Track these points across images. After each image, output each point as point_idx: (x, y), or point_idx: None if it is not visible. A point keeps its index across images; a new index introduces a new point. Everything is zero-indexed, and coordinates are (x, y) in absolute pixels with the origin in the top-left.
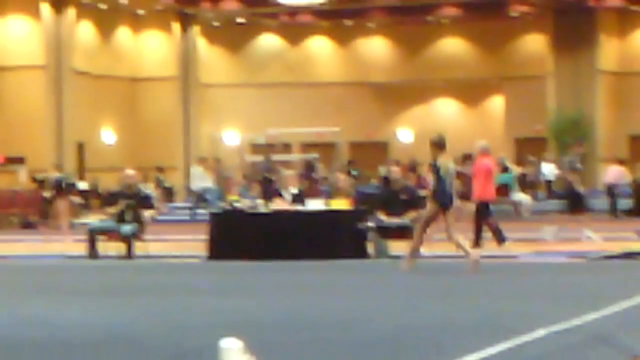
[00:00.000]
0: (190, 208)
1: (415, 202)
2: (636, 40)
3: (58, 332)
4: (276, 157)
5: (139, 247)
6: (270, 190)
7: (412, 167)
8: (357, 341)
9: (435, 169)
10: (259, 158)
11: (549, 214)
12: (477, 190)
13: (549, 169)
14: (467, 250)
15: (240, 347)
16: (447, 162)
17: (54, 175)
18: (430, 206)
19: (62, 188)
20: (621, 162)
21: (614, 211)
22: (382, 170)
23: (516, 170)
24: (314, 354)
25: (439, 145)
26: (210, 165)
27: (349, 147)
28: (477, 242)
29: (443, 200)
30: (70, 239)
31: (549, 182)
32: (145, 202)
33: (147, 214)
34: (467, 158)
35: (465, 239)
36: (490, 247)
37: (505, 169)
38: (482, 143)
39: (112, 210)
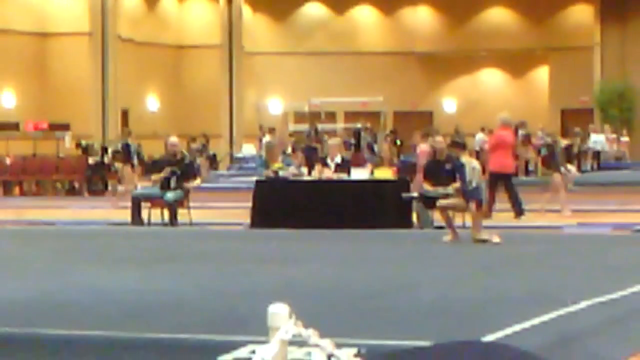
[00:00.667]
0: None
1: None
2: None
3: (107, 298)
4: (321, 126)
5: (182, 215)
6: (314, 159)
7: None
8: (401, 311)
9: (459, 168)
10: (303, 127)
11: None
12: (493, 162)
13: (598, 140)
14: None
15: (286, 312)
16: (471, 161)
17: (124, 140)
18: (458, 200)
19: (130, 154)
20: None
21: None
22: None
23: (563, 143)
24: (356, 321)
25: (460, 145)
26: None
27: (394, 117)
28: (489, 211)
29: (470, 197)
30: (120, 205)
31: (597, 152)
32: (190, 169)
33: (192, 183)
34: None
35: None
36: (534, 218)
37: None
38: (502, 115)
39: (156, 177)
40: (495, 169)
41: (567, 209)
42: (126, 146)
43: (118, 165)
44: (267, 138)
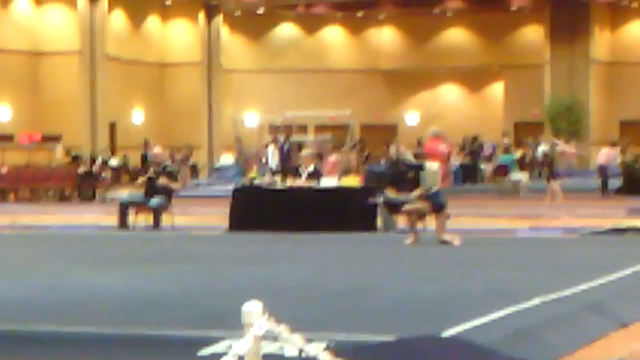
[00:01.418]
0: None
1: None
2: (627, 32)
3: (95, 297)
4: (293, 138)
5: (165, 219)
6: (288, 168)
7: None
8: (367, 308)
9: (421, 175)
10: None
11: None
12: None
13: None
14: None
15: (260, 309)
16: (432, 165)
17: (143, 152)
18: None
19: (148, 163)
20: (613, 144)
21: (605, 190)
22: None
23: (517, 153)
24: (326, 318)
25: (422, 156)
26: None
27: (360, 129)
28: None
29: (432, 202)
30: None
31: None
32: (170, 176)
33: (174, 185)
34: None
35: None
36: (491, 222)
37: (506, 151)
38: (433, 128)
39: (141, 179)
40: None
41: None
42: (145, 156)
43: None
44: (271, 148)
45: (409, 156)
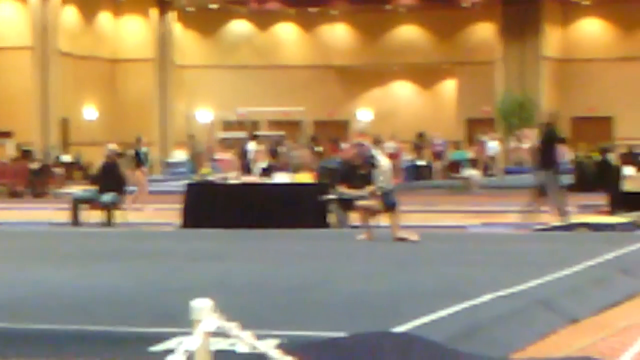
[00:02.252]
0: None
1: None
2: (578, 29)
3: (48, 293)
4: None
5: (118, 216)
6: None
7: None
8: (319, 304)
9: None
10: (230, 134)
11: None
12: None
13: (492, 146)
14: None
15: (209, 306)
16: (386, 164)
17: (136, 148)
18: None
19: (140, 160)
20: (562, 140)
21: None
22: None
23: (469, 154)
24: (278, 314)
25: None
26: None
27: (313, 125)
28: None
29: (385, 199)
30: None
31: (492, 158)
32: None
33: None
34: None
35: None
36: (442, 219)
37: (458, 148)
38: (359, 125)
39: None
40: None
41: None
42: (137, 153)
43: (130, 171)
44: (251, 145)
45: (375, 152)
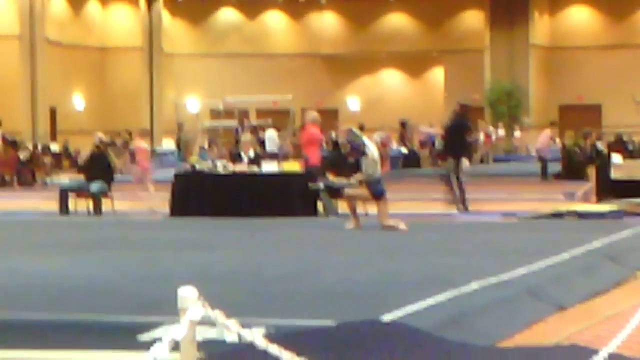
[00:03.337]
0: None
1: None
2: (566, 17)
3: (35, 282)
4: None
5: (106, 204)
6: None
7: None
8: (307, 293)
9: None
10: (218, 123)
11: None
12: (313, 157)
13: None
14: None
15: (195, 294)
16: (374, 152)
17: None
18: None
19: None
20: (553, 124)
21: (544, 175)
22: (332, 135)
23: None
24: (266, 303)
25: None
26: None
27: (302, 114)
28: None
29: (372, 188)
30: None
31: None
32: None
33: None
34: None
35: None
36: (430, 206)
37: None
38: (312, 114)
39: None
40: (313, 163)
41: None
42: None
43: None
44: (269, 132)
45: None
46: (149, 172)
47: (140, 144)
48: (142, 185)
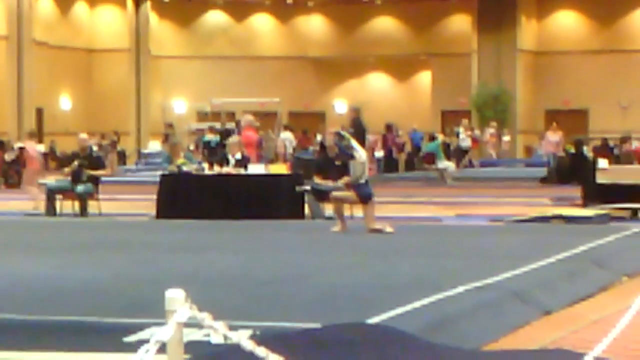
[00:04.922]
0: None
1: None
2: (553, 22)
3: (21, 283)
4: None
5: (92, 206)
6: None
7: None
8: (293, 295)
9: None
10: (203, 125)
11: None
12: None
13: (463, 137)
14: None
15: (182, 296)
16: (361, 156)
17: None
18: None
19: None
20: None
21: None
22: (318, 138)
23: (441, 138)
24: (252, 306)
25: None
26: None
27: (288, 117)
28: None
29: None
30: None
31: (465, 151)
32: (97, 161)
33: (99, 172)
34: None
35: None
36: (417, 210)
37: (432, 139)
38: (248, 117)
39: (68, 170)
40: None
41: None
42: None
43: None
44: (285, 134)
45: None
46: (37, 173)
47: (29, 144)
48: (31, 187)
